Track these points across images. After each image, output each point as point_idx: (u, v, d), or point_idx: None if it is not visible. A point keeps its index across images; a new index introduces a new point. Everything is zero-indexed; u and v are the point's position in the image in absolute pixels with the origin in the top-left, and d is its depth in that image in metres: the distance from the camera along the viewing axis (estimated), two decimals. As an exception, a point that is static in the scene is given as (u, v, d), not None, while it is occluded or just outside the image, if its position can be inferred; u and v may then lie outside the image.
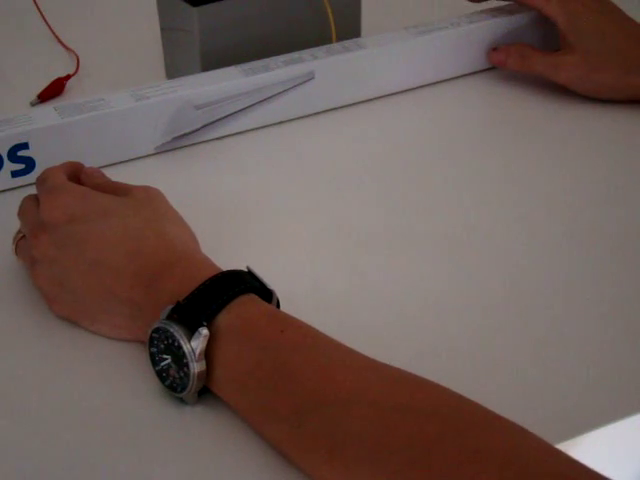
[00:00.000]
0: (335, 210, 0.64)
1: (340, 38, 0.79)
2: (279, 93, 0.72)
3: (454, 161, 0.70)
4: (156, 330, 0.47)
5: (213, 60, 0.74)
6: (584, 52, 0.75)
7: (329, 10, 0.78)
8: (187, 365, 0.46)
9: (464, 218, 0.63)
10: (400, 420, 0.40)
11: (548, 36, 0.81)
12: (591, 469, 0.37)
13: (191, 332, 0.45)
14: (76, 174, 0.57)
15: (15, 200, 0.59)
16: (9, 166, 0.65)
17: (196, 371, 0.46)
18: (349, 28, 0.81)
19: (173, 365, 0.47)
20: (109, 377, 0.50)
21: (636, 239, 0.61)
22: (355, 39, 0.77)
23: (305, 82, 0.73)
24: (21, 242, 0.56)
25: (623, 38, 0.75)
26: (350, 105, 0.77)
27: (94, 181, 0.56)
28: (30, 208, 0.55)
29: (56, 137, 0.65)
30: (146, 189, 0.55)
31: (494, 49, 0.80)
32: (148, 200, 0.54)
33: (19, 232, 0.56)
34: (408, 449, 0.39)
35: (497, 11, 0.81)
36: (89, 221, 0.51)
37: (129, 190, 0.54)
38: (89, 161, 0.60)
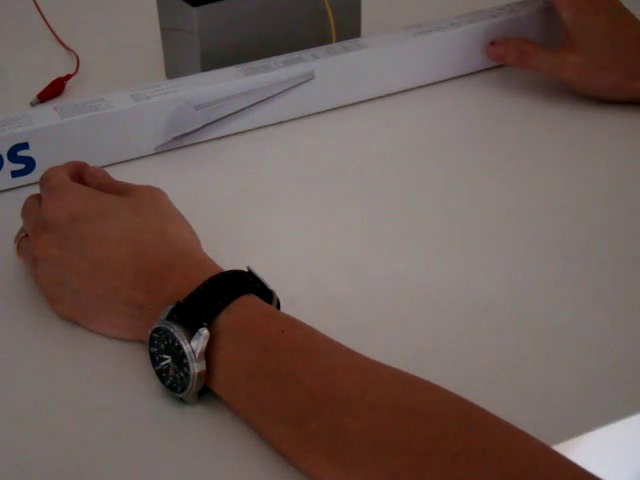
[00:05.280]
0: (335, 210, 0.64)
1: (340, 38, 0.79)
2: (279, 93, 0.72)
3: (454, 161, 0.70)
4: (156, 330, 0.47)
5: (213, 60, 0.74)
6: (588, 52, 0.73)
7: (329, 10, 0.78)
8: (187, 365, 0.46)
9: (464, 218, 0.63)
10: (400, 422, 0.40)
11: (549, 36, 0.81)
12: (591, 473, 0.37)
13: (191, 332, 0.45)
14: (80, 174, 0.57)
15: (15, 200, 0.59)
16: (9, 166, 0.65)
17: (196, 371, 0.46)
18: (349, 28, 0.81)
19: (173, 365, 0.47)
20: (109, 377, 0.50)
21: (636, 239, 0.61)
22: (355, 39, 0.77)
23: (305, 82, 0.73)
24: (23, 241, 0.56)
25: (628, 40, 0.73)
26: (350, 105, 0.77)
27: (97, 181, 0.56)
28: (33, 207, 0.55)
29: (56, 137, 0.65)
30: (149, 189, 0.55)
31: (492, 43, 0.79)
32: (151, 200, 0.54)
33: (21, 231, 0.56)
34: (407, 451, 0.39)
35: (497, 11, 0.81)
36: (91, 221, 0.51)
37: (132, 190, 0.54)
38: (89, 161, 0.60)
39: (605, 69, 0.73)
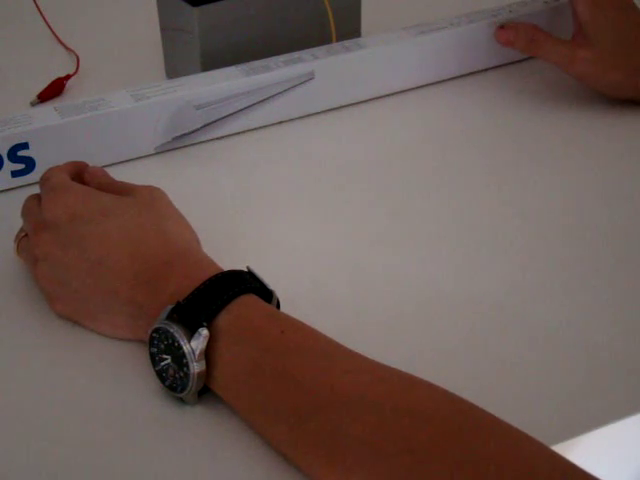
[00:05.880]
0: (335, 210, 0.64)
1: (340, 38, 0.79)
2: (279, 93, 0.72)
3: (454, 161, 0.70)
4: (156, 330, 0.47)
5: (213, 60, 0.74)
6: (599, 47, 0.72)
7: (329, 10, 0.78)
8: (187, 365, 0.46)
9: (465, 218, 0.63)
10: (399, 422, 0.40)
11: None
12: (591, 474, 0.37)
13: (191, 332, 0.45)
14: (80, 173, 0.57)
15: (15, 200, 0.59)
16: (9, 166, 0.65)
17: (196, 371, 0.46)
18: (349, 28, 0.81)
19: (173, 365, 0.47)
20: (109, 377, 0.50)
21: (637, 239, 0.61)
22: (355, 39, 0.77)
23: (305, 82, 0.73)
24: (23, 241, 0.56)
25: (639, 38, 0.73)
26: (350, 105, 0.77)
27: (97, 180, 0.56)
28: (33, 207, 0.55)
29: (56, 137, 0.65)
30: (149, 189, 0.55)
31: (501, 26, 0.77)
32: (151, 200, 0.54)
33: (21, 231, 0.56)
34: (407, 451, 0.39)
35: (497, 11, 0.81)
36: (91, 220, 0.51)
37: (132, 190, 0.54)
38: (89, 161, 0.60)
39: (615, 65, 0.72)
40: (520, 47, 0.77)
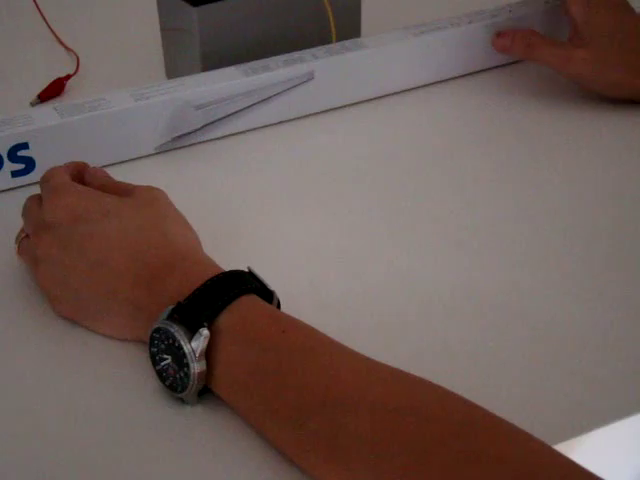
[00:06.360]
0: (335, 210, 0.64)
1: (340, 38, 0.79)
2: (279, 93, 0.72)
3: (454, 161, 0.70)
4: (157, 330, 0.47)
5: (213, 60, 0.74)
6: (595, 48, 0.72)
7: (329, 10, 0.78)
8: (187, 365, 0.46)
9: (464, 218, 0.63)
10: (401, 422, 0.40)
11: (549, 36, 0.81)
12: (592, 473, 0.37)
13: (192, 332, 0.45)
14: (80, 174, 0.57)
15: (15, 200, 0.59)
16: (9, 166, 0.65)
17: (196, 371, 0.46)
18: (349, 28, 0.81)
19: (173, 365, 0.47)
20: (109, 377, 0.50)
21: (638, 238, 0.61)
22: (355, 39, 0.77)
23: (305, 82, 0.73)
24: (24, 242, 0.56)
25: (635, 38, 0.73)
26: (350, 105, 0.77)
27: (98, 181, 0.56)
28: (33, 208, 0.55)
29: (56, 137, 0.65)
30: (149, 189, 0.55)
31: (498, 34, 0.78)
32: (151, 200, 0.54)
33: (22, 231, 0.56)
34: (408, 451, 0.39)
35: (497, 11, 0.81)
36: (92, 221, 0.51)
37: (132, 190, 0.55)
38: (89, 161, 0.60)
39: (612, 65, 0.73)
40: (517, 53, 0.77)
